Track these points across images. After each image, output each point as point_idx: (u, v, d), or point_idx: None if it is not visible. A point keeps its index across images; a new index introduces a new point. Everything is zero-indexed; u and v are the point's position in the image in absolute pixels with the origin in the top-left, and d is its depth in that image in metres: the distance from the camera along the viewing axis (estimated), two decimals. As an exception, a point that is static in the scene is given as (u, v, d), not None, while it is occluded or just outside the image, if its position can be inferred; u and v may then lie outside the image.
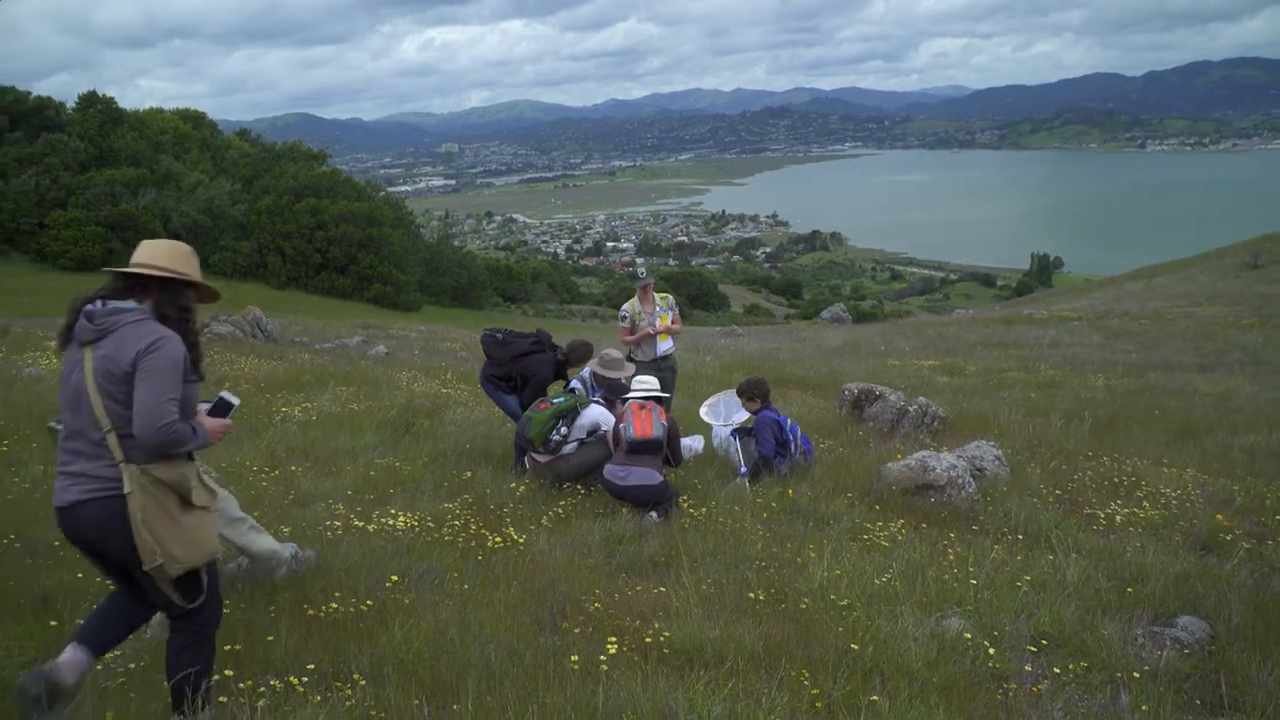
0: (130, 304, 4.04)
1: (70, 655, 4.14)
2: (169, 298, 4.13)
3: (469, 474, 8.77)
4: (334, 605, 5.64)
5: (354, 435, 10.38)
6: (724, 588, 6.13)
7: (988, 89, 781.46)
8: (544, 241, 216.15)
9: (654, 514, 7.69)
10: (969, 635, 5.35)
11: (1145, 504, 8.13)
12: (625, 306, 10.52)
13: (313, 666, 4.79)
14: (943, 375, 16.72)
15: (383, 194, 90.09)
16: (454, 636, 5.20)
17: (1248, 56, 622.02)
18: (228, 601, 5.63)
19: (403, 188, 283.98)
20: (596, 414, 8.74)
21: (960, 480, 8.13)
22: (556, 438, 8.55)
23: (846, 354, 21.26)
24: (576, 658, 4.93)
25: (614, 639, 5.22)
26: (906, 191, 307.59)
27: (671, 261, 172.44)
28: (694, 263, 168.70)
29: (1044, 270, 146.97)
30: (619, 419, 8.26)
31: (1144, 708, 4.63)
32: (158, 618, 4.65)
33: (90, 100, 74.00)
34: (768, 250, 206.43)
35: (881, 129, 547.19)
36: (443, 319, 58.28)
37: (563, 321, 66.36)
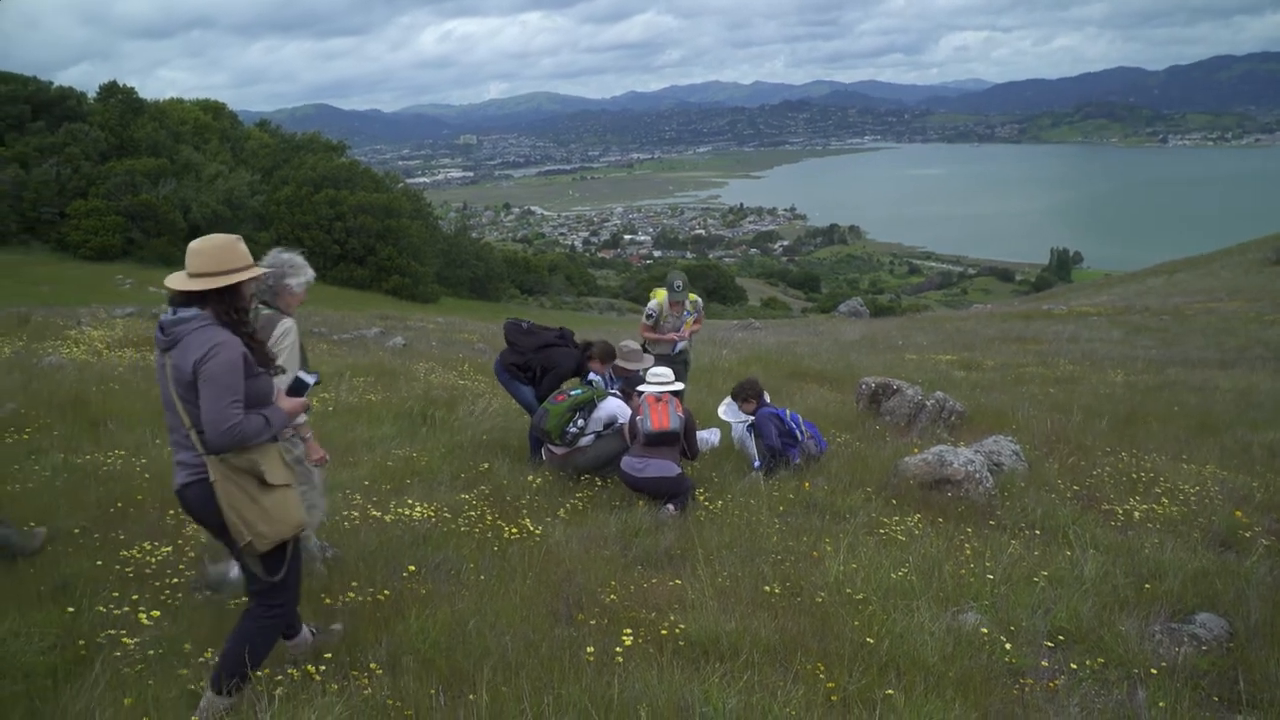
0: (192, 311, 4.30)
1: (295, 643, 4.89)
2: (223, 301, 4.35)
3: (486, 465, 8.79)
4: (351, 595, 5.67)
5: (371, 426, 10.41)
6: (739, 581, 6.13)
7: (1008, 83, 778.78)
8: (561, 234, 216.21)
9: (670, 506, 7.70)
10: (985, 630, 5.34)
11: (1164, 500, 8.09)
12: (653, 304, 10.47)
13: (330, 655, 4.82)
14: (960, 370, 16.65)
15: (401, 185, 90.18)
16: (470, 627, 5.22)
17: (1272, 51, 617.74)
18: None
19: (421, 179, 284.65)
20: (614, 406, 8.74)
21: (978, 475, 8.10)
22: (573, 430, 8.55)
23: (864, 348, 21.20)
24: (592, 649, 4.95)
25: (629, 631, 5.23)
26: (925, 185, 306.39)
27: (689, 254, 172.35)
28: (711, 256, 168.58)
29: (1063, 265, 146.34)
30: (635, 411, 8.27)
31: (1161, 704, 4.61)
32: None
33: (111, 90, 74.21)
34: (785, 243, 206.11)
35: (901, 122, 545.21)
36: (460, 311, 58.37)
37: (580, 314, 66.35)
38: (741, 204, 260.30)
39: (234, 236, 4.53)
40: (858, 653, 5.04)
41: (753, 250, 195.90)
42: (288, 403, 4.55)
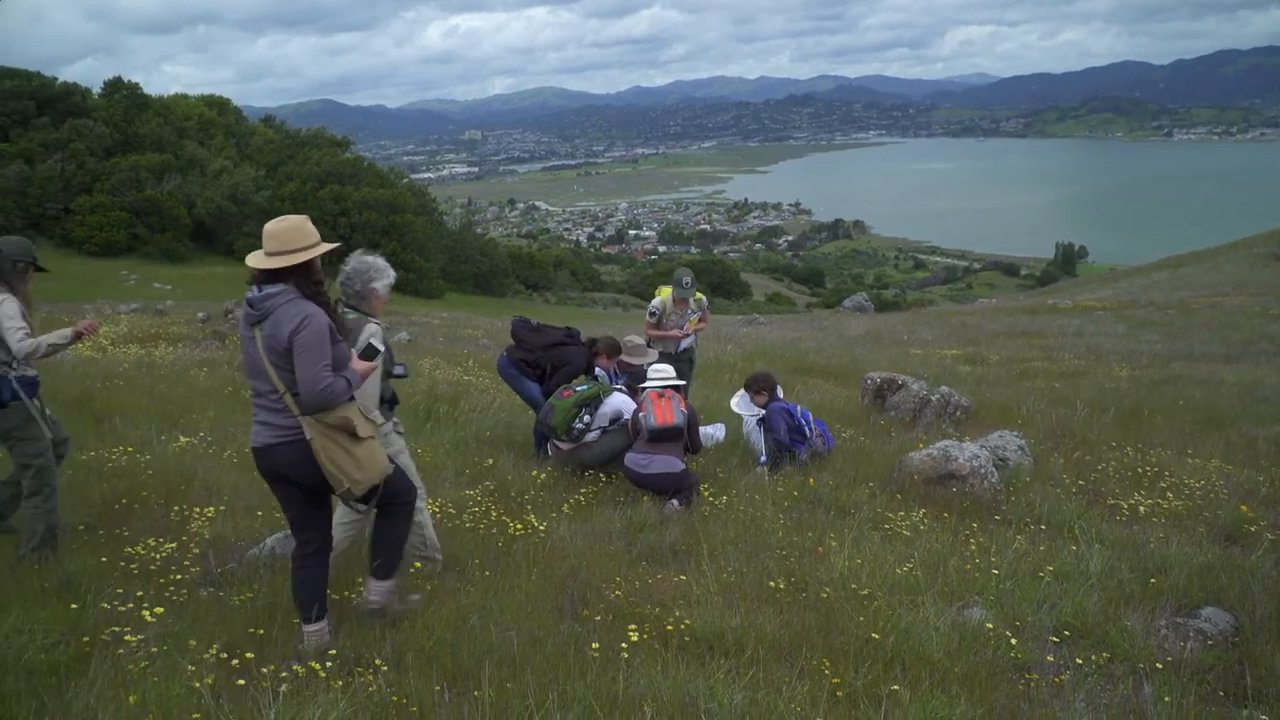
0: (278, 287, 4.81)
1: (315, 629, 5.06)
2: (301, 276, 4.86)
3: (490, 461, 8.79)
4: (356, 591, 5.67)
5: (376, 421, 10.40)
6: (745, 576, 6.12)
7: (1013, 77, 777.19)
8: (566, 229, 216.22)
9: (675, 502, 7.69)
10: (991, 625, 5.32)
11: (1169, 495, 8.07)
12: (656, 302, 10.42)
13: (335, 652, 4.81)
14: (965, 364, 16.64)
15: (406, 181, 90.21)
16: (475, 623, 5.21)
17: (1277, 45, 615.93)
18: (251, 587, 5.68)
19: (426, 175, 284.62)
20: (619, 402, 8.73)
21: (983, 470, 8.09)
22: (579, 426, 8.55)
23: (869, 343, 21.19)
24: (597, 645, 4.94)
25: (634, 627, 5.22)
26: (930, 180, 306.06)
27: (694, 249, 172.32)
28: (716, 251, 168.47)
29: (1068, 260, 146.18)
30: (638, 408, 8.26)
31: (1167, 699, 4.60)
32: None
33: (115, 86, 74.27)
34: (790, 238, 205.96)
35: (906, 117, 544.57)
36: (465, 306, 58.43)
37: (584, 309, 66.36)
38: (746, 199, 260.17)
39: (302, 217, 5.02)
40: (863, 648, 5.03)
41: (757, 245, 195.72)
42: (361, 365, 5.09)
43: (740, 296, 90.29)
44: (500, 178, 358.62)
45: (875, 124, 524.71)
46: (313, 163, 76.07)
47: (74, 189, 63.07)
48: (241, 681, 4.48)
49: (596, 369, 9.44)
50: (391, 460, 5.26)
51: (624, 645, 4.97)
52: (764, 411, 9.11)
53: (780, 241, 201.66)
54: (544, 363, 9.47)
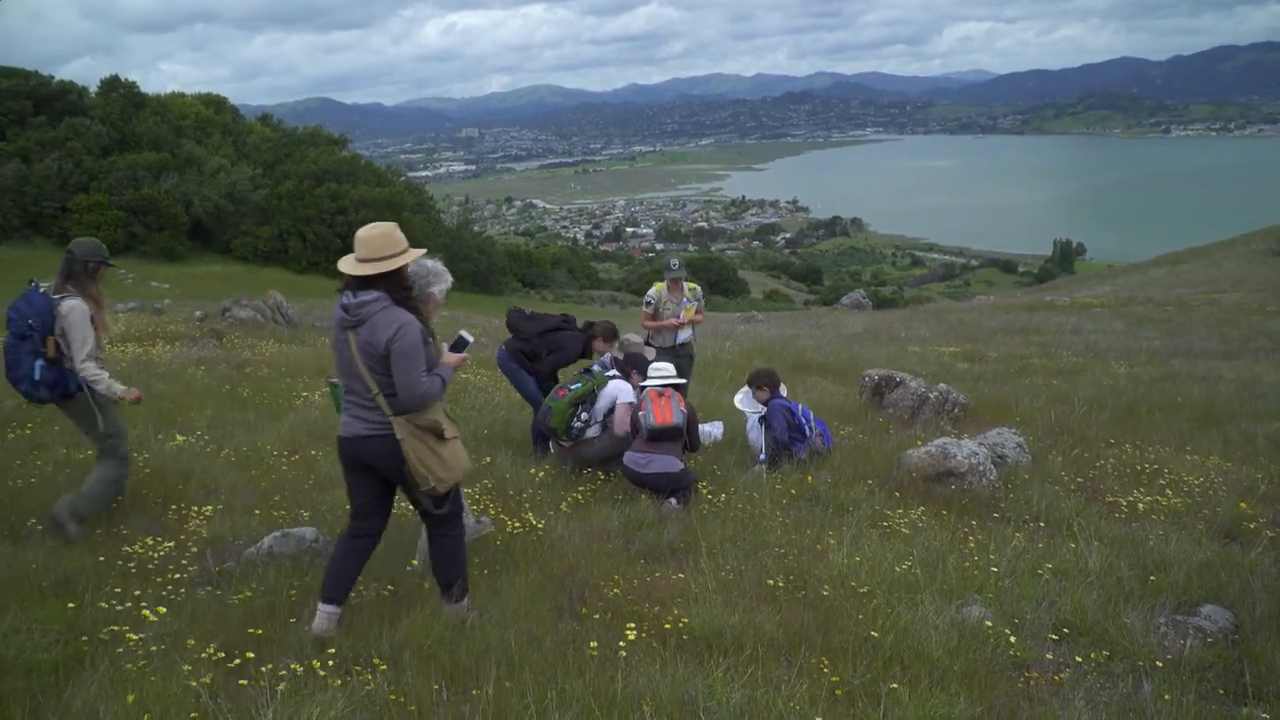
0: (372, 294, 5.05)
1: (329, 610, 5.21)
2: (393, 282, 5.12)
3: (488, 459, 8.78)
4: (354, 589, 5.66)
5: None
6: (743, 574, 6.12)
7: (1010, 74, 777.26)
8: (563, 227, 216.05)
9: (673, 500, 7.69)
10: (990, 623, 5.32)
11: (1168, 492, 8.07)
12: (651, 292, 10.46)
13: (333, 650, 4.81)
14: (964, 362, 16.63)
15: (403, 179, 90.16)
16: (473, 622, 5.21)
17: (1275, 41, 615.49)
18: (249, 586, 5.68)
19: (423, 173, 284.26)
20: (614, 389, 8.73)
21: (981, 467, 8.09)
22: (578, 424, 8.55)
23: (867, 340, 21.18)
24: (595, 644, 4.93)
25: (633, 625, 5.22)
26: (928, 177, 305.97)
27: (691, 247, 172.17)
28: (714, 248, 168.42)
29: (1066, 256, 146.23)
30: (638, 406, 8.24)
31: (1166, 697, 4.60)
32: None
33: (112, 85, 74.18)
34: (788, 236, 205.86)
35: (903, 114, 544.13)
36: (462, 304, 58.29)
37: (582, 307, 66.30)
38: (744, 196, 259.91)
39: (392, 225, 5.21)
40: (862, 646, 5.03)
41: (755, 243, 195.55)
42: (451, 358, 5.42)
43: (738, 294, 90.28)
44: (497, 175, 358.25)
45: (872, 121, 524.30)
46: (310, 161, 76.00)
47: (71, 188, 62.98)
48: (242, 681, 4.47)
49: (597, 364, 9.41)
50: None
51: (622, 644, 4.97)
52: (765, 409, 9.10)
53: (778, 239, 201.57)
54: (540, 349, 9.49)
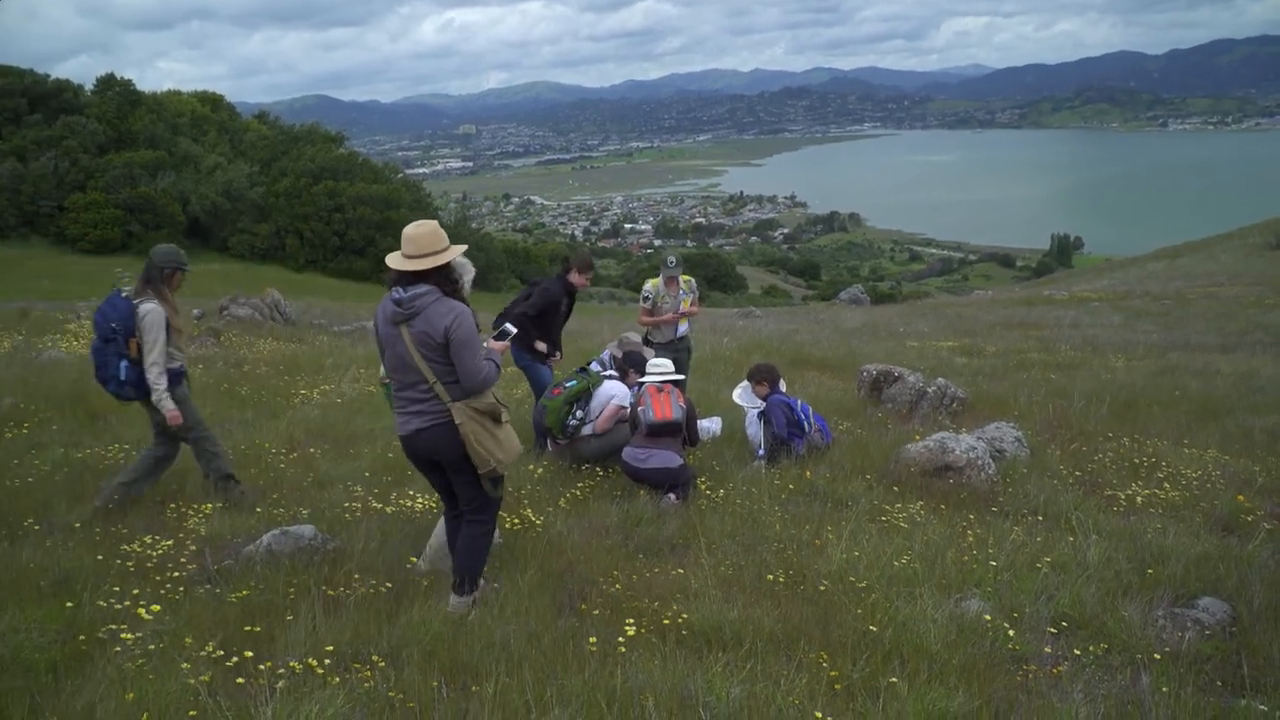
0: (423, 288, 5.28)
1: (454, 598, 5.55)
2: (442, 276, 5.36)
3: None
4: (353, 587, 5.66)
5: (372, 418, 10.41)
6: (742, 569, 6.12)
7: (1008, 68, 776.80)
8: (561, 223, 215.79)
9: (672, 496, 7.68)
10: (989, 617, 5.33)
11: (1166, 485, 8.08)
12: (648, 287, 10.46)
13: (332, 648, 4.80)
14: (962, 356, 16.62)
15: (400, 176, 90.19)
16: (473, 618, 5.21)
17: (1272, 34, 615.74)
18: (248, 584, 5.68)
19: (420, 170, 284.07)
20: (609, 389, 8.73)
21: (980, 461, 8.09)
22: (573, 422, 8.55)
23: (865, 335, 21.17)
24: (595, 639, 4.93)
25: (632, 621, 5.22)
26: (925, 172, 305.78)
27: (689, 243, 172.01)
28: (712, 244, 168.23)
29: (1064, 251, 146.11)
30: (637, 402, 8.24)
31: (1164, 689, 4.60)
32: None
33: (108, 83, 74.17)
34: (786, 231, 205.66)
35: (901, 109, 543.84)
36: (461, 301, 58.18)
37: (580, 303, 66.14)
38: (741, 192, 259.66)
39: (435, 223, 5.43)
40: (861, 641, 5.03)
41: (753, 238, 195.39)
42: (497, 346, 5.79)
43: (736, 289, 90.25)
44: (495, 172, 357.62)
45: (870, 116, 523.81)
46: (307, 158, 76.02)
47: (68, 186, 63.00)
48: (240, 679, 4.47)
49: (593, 364, 9.41)
50: None
51: (622, 639, 4.97)
52: (762, 406, 9.10)
53: (776, 234, 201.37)
54: (527, 310, 9.53)
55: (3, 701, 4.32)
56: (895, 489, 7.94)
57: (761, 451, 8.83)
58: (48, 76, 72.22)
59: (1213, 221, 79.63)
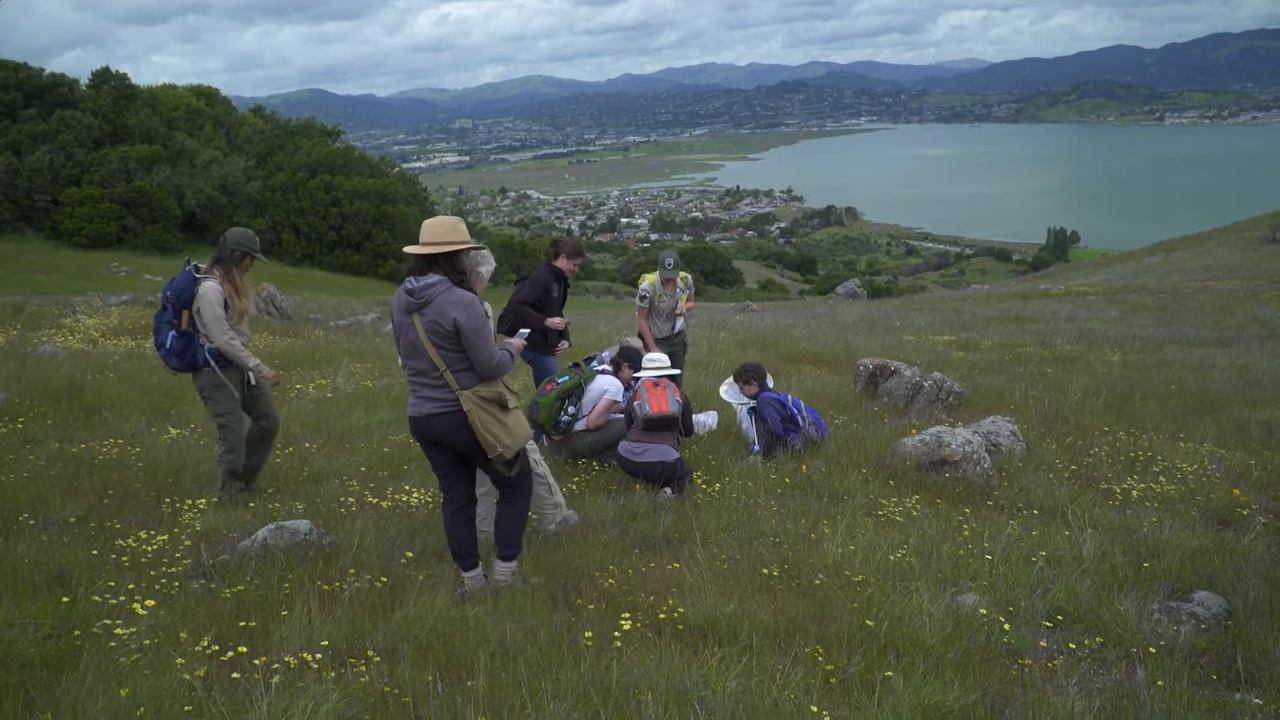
0: (434, 277, 5.46)
1: (466, 577, 5.83)
2: (452, 266, 5.53)
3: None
4: (348, 582, 5.66)
5: (368, 412, 10.41)
6: (738, 564, 6.11)
7: (1004, 62, 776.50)
8: (558, 218, 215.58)
9: (668, 490, 7.68)
10: (984, 611, 5.32)
11: (1161, 479, 8.08)
12: (645, 286, 10.41)
13: (327, 643, 4.80)
14: (958, 350, 16.64)
15: (396, 170, 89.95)
16: (468, 613, 5.21)
17: (1269, 28, 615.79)
18: (243, 579, 5.67)
19: (416, 164, 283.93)
20: (601, 384, 8.72)
21: (975, 455, 8.09)
22: (565, 418, 8.54)
23: (861, 329, 21.18)
24: (590, 634, 4.93)
25: (628, 615, 5.21)
26: (922, 166, 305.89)
27: (686, 237, 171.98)
28: (708, 238, 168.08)
29: (1060, 245, 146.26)
30: (633, 396, 8.24)
31: (1160, 683, 4.60)
32: None
33: (103, 77, 73.94)
34: (782, 225, 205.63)
35: (897, 103, 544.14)
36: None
37: (577, 297, 66.19)
38: (738, 186, 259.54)
39: (456, 218, 5.68)
40: (856, 635, 5.03)
41: (750, 233, 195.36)
42: (516, 342, 6.13)
43: (733, 284, 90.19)
44: (491, 166, 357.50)
45: (867, 110, 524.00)
46: (303, 153, 75.87)
47: (63, 181, 62.83)
48: (235, 674, 4.46)
49: (593, 363, 9.38)
50: None
51: (617, 634, 4.97)
52: (754, 401, 9.09)
53: (772, 229, 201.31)
54: (520, 299, 9.51)
55: (-3, 697, 4.31)
56: (891, 483, 7.94)
57: (756, 447, 8.83)
58: (43, 71, 71.95)
59: (1209, 216, 79.73)
